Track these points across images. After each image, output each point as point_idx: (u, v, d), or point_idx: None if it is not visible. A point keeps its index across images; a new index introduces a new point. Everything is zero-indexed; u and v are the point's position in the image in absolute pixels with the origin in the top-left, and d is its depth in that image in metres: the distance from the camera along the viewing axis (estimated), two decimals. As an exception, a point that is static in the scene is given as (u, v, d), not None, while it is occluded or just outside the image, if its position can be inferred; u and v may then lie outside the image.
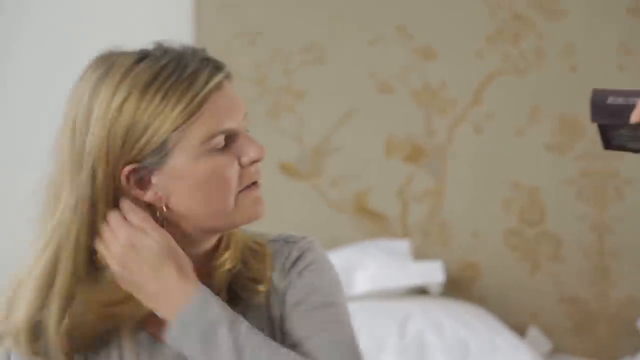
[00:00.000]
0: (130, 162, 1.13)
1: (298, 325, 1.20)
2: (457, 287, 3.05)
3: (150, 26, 3.02)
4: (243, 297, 1.22)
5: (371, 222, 3.08)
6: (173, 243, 1.15)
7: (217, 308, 1.13)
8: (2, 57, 3.09)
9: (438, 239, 3.07)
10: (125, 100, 1.12)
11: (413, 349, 2.63)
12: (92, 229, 1.14)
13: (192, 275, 1.15)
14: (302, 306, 1.21)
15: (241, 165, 1.17)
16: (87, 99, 1.14)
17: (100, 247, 1.15)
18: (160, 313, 1.14)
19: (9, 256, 1.23)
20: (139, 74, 1.13)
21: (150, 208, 1.16)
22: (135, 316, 1.17)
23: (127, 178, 1.14)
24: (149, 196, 1.16)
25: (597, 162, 3.01)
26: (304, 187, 3.08)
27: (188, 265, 1.16)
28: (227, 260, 1.21)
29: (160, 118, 1.12)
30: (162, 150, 1.13)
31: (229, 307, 1.15)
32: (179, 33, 2.94)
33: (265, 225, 1.24)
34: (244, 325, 1.13)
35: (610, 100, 1.05)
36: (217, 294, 1.19)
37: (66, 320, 1.14)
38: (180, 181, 1.15)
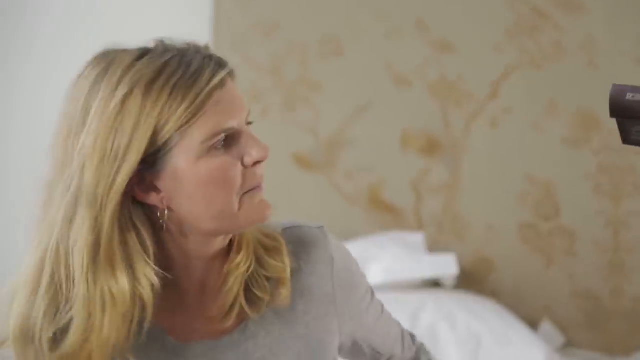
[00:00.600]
0: (131, 162, 1.08)
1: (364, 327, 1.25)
2: (470, 280, 3.04)
3: (168, 19, 3.02)
4: (262, 298, 1.19)
5: (385, 215, 3.08)
6: None
7: None
8: (13, 58, 3.10)
9: (452, 232, 3.07)
10: (126, 97, 1.08)
11: (425, 341, 2.62)
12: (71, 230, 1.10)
13: None
14: (355, 308, 1.24)
15: (244, 166, 1.13)
16: (84, 97, 1.10)
17: None
18: None
19: (7, 258, 1.20)
20: (140, 70, 1.09)
21: (151, 209, 1.13)
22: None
23: (130, 179, 1.09)
24: (151, 198, 1.12)
25: (614, 157, 2.99)
26: (318, 179, 3.08)
27: None
28: (241, 262, 1.18)
29: (166, 116, 1.09)
30: (163, 150, 1.10)
31: None
32: (197, 24, 2.94)
33: (279, 216, 1.23)
34: None
35: (629, 96, 1.04)
36: (235, 298, 1.17)
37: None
38: (181, 182, 1.11)
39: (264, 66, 3.05)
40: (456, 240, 3.06)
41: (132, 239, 1.12)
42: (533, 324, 3.01)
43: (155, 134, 1.09)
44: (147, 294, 1.11)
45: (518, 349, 2.61)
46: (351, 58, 3.07)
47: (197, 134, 1.10)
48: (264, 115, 3.03)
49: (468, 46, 3.04)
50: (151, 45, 1.13)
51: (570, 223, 3.03)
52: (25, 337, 1.12)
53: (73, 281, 1.10)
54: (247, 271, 1.18)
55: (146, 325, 1.12)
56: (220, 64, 1.13)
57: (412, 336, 1.36)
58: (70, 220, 1.10)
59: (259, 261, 1.20)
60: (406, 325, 2.66)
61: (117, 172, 1.09)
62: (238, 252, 1.18)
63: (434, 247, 3.05)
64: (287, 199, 2.96)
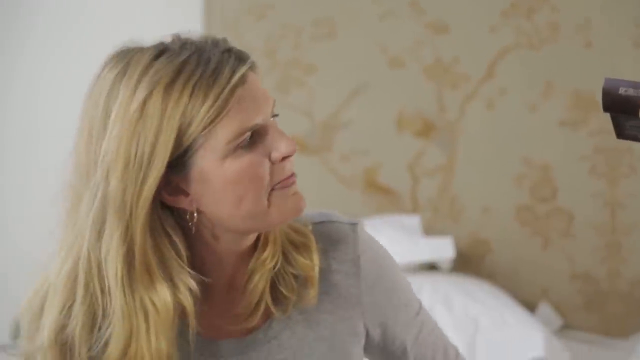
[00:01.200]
0: (157, 168, 1.04)
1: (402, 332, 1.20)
2: (467, 263, 3.04)
3: (160, 1, 2.99)
4: (288, 297, 1.15)
5: (381, 198, 3.07)
6: None
7: None
8: (13, 58, 3.07)
9: (448, 215, 3.05)
10: (146, 100, 1.04)
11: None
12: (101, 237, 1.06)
13: None
14: (388, 314, 1.19)
15: (272, 162, 1.08)
16: (104, 100, 1.06)
17: None
18: None
19: (30, 264, 1.17)
20: (158, 71, 1.05)
21: (180, 212, 1.10)
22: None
23: (157, 184, 1.05)
24: (179, 201, 1.09)
25: (610, 139, 2.97)
26: (313, 162, 3.06)
27: None
28: (267, 259, 1.14)
29: (188, 118, 1.04)
30: (188, 153, 1.06)
31: None
32: (188, 7, 2.90)
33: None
34: None
35: (622, 90, 1.02)
36: (260, 296, 1.14)
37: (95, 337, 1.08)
38: (208, 184, 1.07)
39: (258, 49, 3.02)
40: (452, 222, 3.05)
41: (165, 245, 1.08)
42: (530, 306, 3.01)
43: (179, 137, 1.04)
44: (187, 300, 1.08)
45: (516, 332, 2.60)
46: (345, 40, 3.04)
47: (222, 134, 1.06)
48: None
49: (463, 27, 3.01)
50: (167, 40, 1.09)
51: (567, 205, 3.02)
52: (62, 348, 1.09)
53: (109, 293, 1.07)
54: (274, 268, 1.15)
55: (191, 331, 1.09)
56: (241, 58, 1.08)
57: (457, 352, 1.28)
58: (99, 230, 1.06)
59: (286, 258, 1.16)
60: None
61: (144, 178, 1.05)
62: (264, 248, 1.15)
63: (430, 229, 3.04)
64: (282, 183, 2.93)
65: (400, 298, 1.22)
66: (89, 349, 1.08)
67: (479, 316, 2.64)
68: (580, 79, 2.98)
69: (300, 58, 3.05)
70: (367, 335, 1.21)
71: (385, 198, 3.06)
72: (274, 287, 1.16)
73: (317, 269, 1.16)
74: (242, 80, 1.06)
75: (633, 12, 2.95)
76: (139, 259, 1.06)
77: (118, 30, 2.93)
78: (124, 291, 1.06)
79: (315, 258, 1.16)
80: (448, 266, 2.94)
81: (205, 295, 1.13)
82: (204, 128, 1.05)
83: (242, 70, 1.06)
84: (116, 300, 1.06)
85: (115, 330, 1.07)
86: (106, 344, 1.08)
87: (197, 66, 1.05)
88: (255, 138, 1.08)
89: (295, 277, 1.16)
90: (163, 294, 1.07)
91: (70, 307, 1.09)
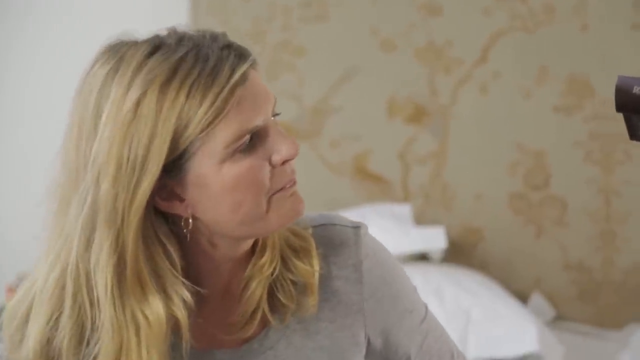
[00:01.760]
0: (152, 173, 0.99)
1: (407, 340, 1.15)
2: (459, 253, 3.02)
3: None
4: (286, 305, 1.10)
5: (371, 185, 3.04)
6: None
7: None
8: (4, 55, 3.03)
9: (440, 203, 3.03)
10: (140, 100, 0.98)
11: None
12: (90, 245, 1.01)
13: None
14: (391, 322, 1.13)
15: (272, 165, 1.03)
16: (95, 99, 1.00)
17: None
18: None
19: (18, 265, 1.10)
20: (153, 69, 0.99)
21: (174, 218, 1.04)
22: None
23: (150, 188, 1.00)
24: (174, 207, 1.03)
25: (606, 124, 2.97)
26: (302, 148, 2.96)
27: None
28: (265, 265, 1.08)
29: (185, 120, 0.98)
30: (184, 157, 1.00)
31: None
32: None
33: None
34: None
35: (637, 89, 0.98)
36: (257, 304, 1.08)
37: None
38: (205, 189, 1.01)
39: (245, 31, 2.97)
40: (444, 210, 3.03)
41: (159, 254, 1.02)
42: (523, 296, 2.99)
43: (174, 140, 0.99)
44: (180, 312, 1.02)
45: (509, 326, 2.58)
46: (336, 22, 3.00)
47: (220, 137, 1.00)
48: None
49: (456, 9, 2.98)
50: (163, 33, 1.03)
51: (561, 192, 3.01)
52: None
53: (98, 305, 1.01)
54: (272, 275, 1.09)
55: (185, 345, 1.03)
56: (241, 55, 1.02)
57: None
58: (88, 238, 1.00)
59: (285, 264, 1.10)
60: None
61: (137, 183, 0.99)
62: (262, 254, 1.09)
63: (421, 218, 3.02)
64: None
65: (405, 304, 1.16)
66: None
67: (471, 308, 2.62)
68: (575, 64, 2.96)
69: (289, 41, 3.01)
70: (369, 343, 1.16)
71: (376, 185, 3.04)
72: (271, 294, 1.10)
73: (317, 275, 1.10)
74: (243, 79, 1.01)
75: (631, -6, 2.94)
76: (130, 269, 1.01)
77: (105, 13, 2.89)
78: (114, 303, 1.01)
79: (316, 264, 1.10)
80: (439, 256, 2.92)
81: (200, 305, 1.07)
82: (202, 131, 0.99)
83: (243, 68, 1.01)
84: (105, 312, 1.01)
85: (104, 345, 1.02)
86: (95, 359, 1.02)
87: (194, 64, 0.99)
88: (255, 140, 1.02)
89: (294, 284, 1.11)
90: (155, 306, 1.01)
91: (58, 318, 1.03)
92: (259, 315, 1.09)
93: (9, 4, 3.02)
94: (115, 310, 1.00)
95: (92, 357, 1.02)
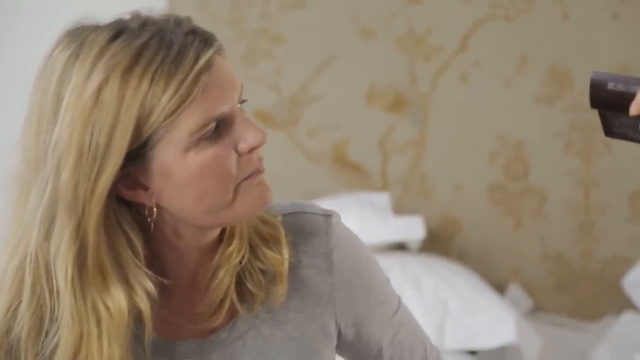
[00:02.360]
0: (114, 161, 0.97)
1: (379, 331, 1.13)
2: (436, 243, 3.01)
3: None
4: (255, 294, 1.08)
5: (350, 174, 3.02)
6: None
7: None
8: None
9: (419, 192, 3.02)
10: (102, 87, 0.96)
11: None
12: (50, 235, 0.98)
13: None
14: (362, 313, 1.12)
15: (239, 154, 1.01)
16: (55, 85, 0.98)
17: None
18: None
19: None
20: (115, 54, 0.96)
21: (137, 207, 1.02)
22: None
23: (112, 177, 0.98)
24: (137, 196, 1.01)
25: (586, 115, 2.97)
26: (280, 137, 3.01)
27: None
28: (233, 253, 1.06)
29: (148, 108, 0.96)
30: (148, 145, 0.98)
31: None
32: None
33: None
34: None
35: (611, 85, 0.96)
36: (225, 293, 1.06)
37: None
38: (170, 178, 0.99)
39: (223, 18, 2.94)
40: (423, 200, 3.02)
41: (121, 244, 1.00)
42: (500, 287, 2.98)
43: (137, 128, 0.96)
44: (143, 303, 1.00)
45: (487, 316, 2.57)
46: (315, 9, 2.97)
47: (184, 125, 0.98)
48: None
49: (437, -3, 2.96)
50: (126, 17, 1.00)
51: (540, 183, 3.00)
52: (7, 354, 1.02)
53: (58, 296, 0.99)
54: (240, 263, 1.07)
55: (147, 336, 1.02)
56: (206, 41, 0.99)
57: (438, 354, 1.21)
58: (47, 228, 0.98)
59: (253, 252, 1.08)
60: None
61: (99, 172, 0.97)
62: (230, 242, 1.07)
63: (399, 207, 3.00)
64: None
65: (378, 296, 1.14)
66: (36, 355, 1.01)
67: (449, 299, 2.61)
68: (556, 53, 2.94)
69: (267, 28, 2.98)
70: (340, 334, 1.14)
71: (354, 175, 3.02)
72: (239, 283, 1.08)
73: (286, 264, 1.08)
74: (208, 65, 0.98)
75: (611, -17, 2.93)
76: (91, 259, 0.98)
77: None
78: (74, 294, 0.99)
79: (285, 252, 1.08)
80: (417, 246, 2.90)
81: (165, 295, 1.05)
82: (165, 118, 0.97)
83: (208, 54, 0.98)
84: (65, 303, 0.99)
85: (63, 336, 0.99)
86: (54, 350, 1.00)
87: (158, 50, 0.97)
88: (220, 128, 1.00)
89: (263, 272, 1.08)
90: (117, 297, 0.99)
91: (16, 308, 1.01)
92: (227, 305, 1.07)
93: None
94: (75, 301, 0.98)
95: (51, 347, 1.00)
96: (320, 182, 3.00)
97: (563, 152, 2.98)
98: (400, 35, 2.98)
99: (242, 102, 1.03)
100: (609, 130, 1.00)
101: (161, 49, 0.97)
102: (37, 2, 3.02)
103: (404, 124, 3.01)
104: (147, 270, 1.01)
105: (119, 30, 0.98)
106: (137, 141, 0.97)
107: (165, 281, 1.03)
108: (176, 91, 0.96)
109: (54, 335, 1.00)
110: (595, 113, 0.99)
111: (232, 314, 1.09)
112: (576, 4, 2.92)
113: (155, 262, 1.04)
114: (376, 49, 2.97)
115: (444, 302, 2.60)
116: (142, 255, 1.01)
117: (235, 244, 1.06)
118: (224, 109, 0.99)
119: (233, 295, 1.07)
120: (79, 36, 0.99)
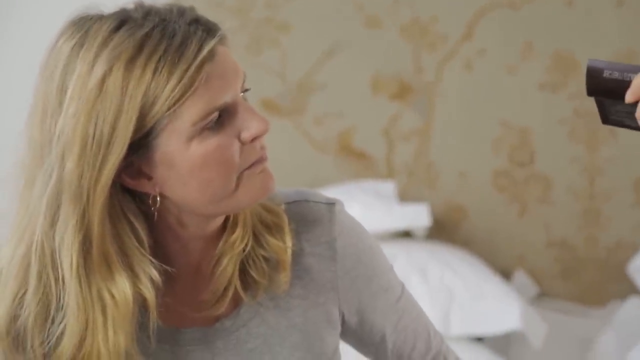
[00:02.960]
0: (118, 151, 0.98)
1: (382, 318, 1.14)
2: (442, 230, 3.01)
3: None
4: (258, 282, 1.09)
5: (355, 162, 3.02)
6: None
7: None
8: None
9: (424, 180, 3.02)
10: (105, 77, 0.96)
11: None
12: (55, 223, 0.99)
13: None
14: (365, 301, 1.12)
15: (242, 142, 1.02)
16: (59, 75, 0.99)
17: None
18: None
19: None
20: (119, 44, 0.97)
21: (141, 196, 1.03)
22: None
23: (116, 167, 0.99)
24: (141, 185, 1.02)
25: (590, 102, 2.91)
26: (285, 125, 3.01)
27: None
28: (236, 241, 1.07)
29: (151, 97, 0.97)
30: (151, 135, 0.98)
31: None
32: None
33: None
34: None
35: (607, 73, 0.97)
36: (229, 281, 1.07)
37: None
38: (173, 167, 1.00)
39: (228, 6, 2.94)
40: (428, 188, 3.02)
41: (126, 232, 1.01)
42: (506, 273, 2.98)
43: (141, 118, 0.97)
44: (148, 291, 1.02)
45: (492, 303, 2.57)
46: (320, -3, 2.97)
47: (188, 114, 0.98)
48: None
49: (442, -15, 2.96)
50: (130, 7, 1.01)
51: (546, 170, 3.00)
52: (14, 340, 1.03)
53: (63, 284, 1.00)
54: (244, 251, 1.08)
55: (152, 324, 1.02)
56: (209, 30, 1.00)
57: (442, 340, 1.22)
58: (53, 217, 0.99)
59: (257, 240, 1.09)
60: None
61: (103, 162, 0.98)
62: (233, 230, 1.08)
63: (405, 195, 3.00)
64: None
65: (380, 283, 1.15)
66: (42, 342, 1.02)
67: (454, 286, 2.61)
68: (561, 40, 2.94)
69: (273, 16, 2.97)
70: (343, 322, 1.15)
71: (360, 163, 3.02)
72: (243, 271, 1.09)
73: (289, 251, 1.09)
74: (211, 55, 0.99)
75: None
76: (96, 247, 0.99)
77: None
78: (79, 282, 1.00)
79: (288, 240, 1.09)
80: (423, 233, 2.90)
81: (169, 283, 1.05)
82: (169, 108, 0.98)
83: (211, 44, 0.99)
84: (71, 291, 1.00)
85: (69, 323, 1.00)
86: (60, 337, 1.01)
87: (161, 40, 0.98)
88: (223, 117, 1.01)
89: (267, 260, 1.09)
90: (122, 285, 1.00)
91: (23, 296, 1.02)
92: (230, 293, 1.08)
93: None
94: (81, 289, 0.99)
95: (57, 334, 1.01)
96: (325, 170, 3.00)
97: (568, 139, 2.97)
98: (406, 23, 2.97)
99: (245, 90, 1.04)
100: (606, 118, 1.01)
101: (164, 39, 0.97)
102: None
103: (409, 112, 3.00)
104: (151, 259, 1.02)
105: (122, 20, 0.99)
106: (140, 131, 0.98)
107: (170, 269, 1.04)
108: (179, 81, 0.97)
109: (60, 323, 1.01)
110: (600, 99, 1.00)
111: (236, 302, 1.10)
112: (581, -10, 2.92)
113: (160, 251, 1.05)
114: (381, 38, 2.97)
115: (450, 289, 2.61)
116: (146, 244, 1.02)
117: (238, 232, 1.07)
118: (227, 98, 1.00)
119: (237, 283, 1.08)
120: (83, 26, 1.00)
